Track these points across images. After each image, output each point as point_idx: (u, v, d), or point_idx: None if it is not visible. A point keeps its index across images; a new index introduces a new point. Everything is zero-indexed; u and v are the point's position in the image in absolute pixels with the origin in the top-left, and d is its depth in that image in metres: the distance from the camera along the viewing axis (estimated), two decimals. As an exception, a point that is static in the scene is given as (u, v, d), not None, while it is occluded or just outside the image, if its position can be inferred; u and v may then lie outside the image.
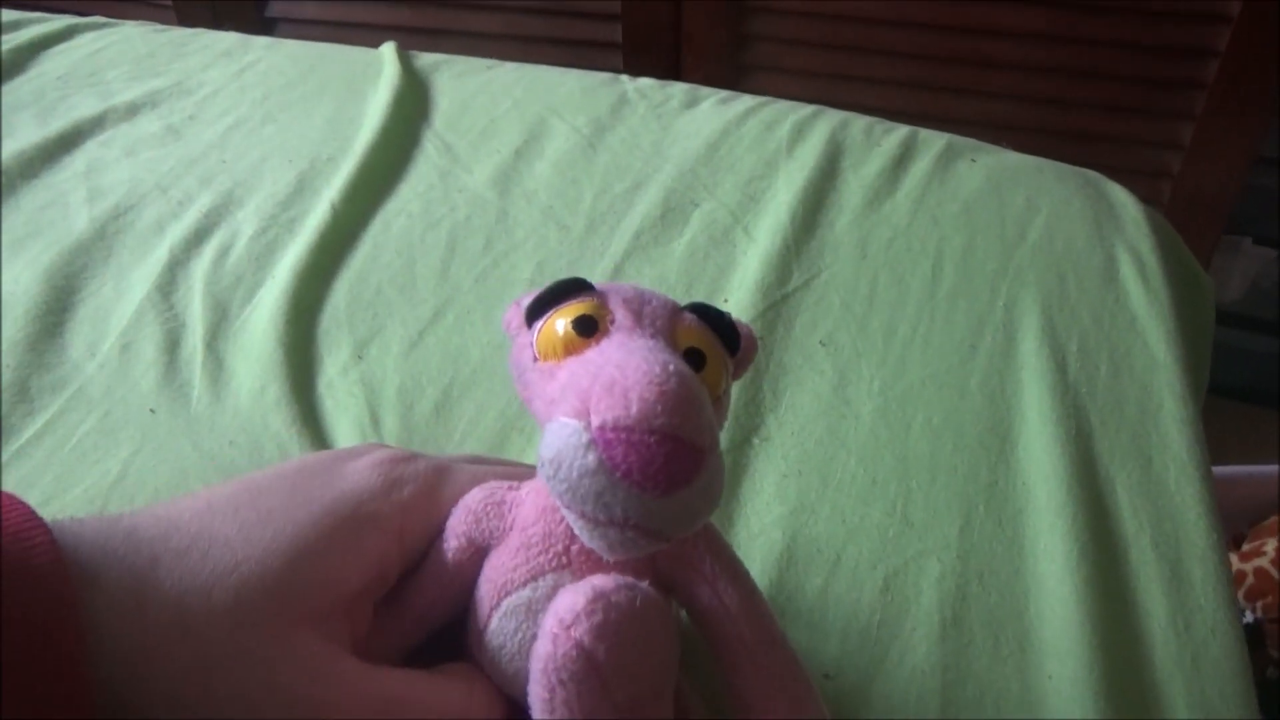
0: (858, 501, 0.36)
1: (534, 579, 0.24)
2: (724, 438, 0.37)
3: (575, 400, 0.21)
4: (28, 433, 0.37)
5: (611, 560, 0.23)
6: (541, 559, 0.24)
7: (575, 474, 0.20)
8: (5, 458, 0.35)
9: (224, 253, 0.46)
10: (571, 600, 0.20)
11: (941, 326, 0.43)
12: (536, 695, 0.20)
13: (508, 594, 0.24)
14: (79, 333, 0.41)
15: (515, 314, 0.27)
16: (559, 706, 0.20)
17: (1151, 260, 0.48)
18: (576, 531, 0.22)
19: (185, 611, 0.21)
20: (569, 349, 0.24)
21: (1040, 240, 0.49)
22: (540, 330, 0.25)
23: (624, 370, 0.21)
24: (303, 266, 0.44)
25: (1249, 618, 0.86)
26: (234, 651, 0.22)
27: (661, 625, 0.21)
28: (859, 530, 0.35)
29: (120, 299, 0.43)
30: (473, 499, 0.26)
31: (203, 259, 0.45)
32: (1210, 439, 0.40)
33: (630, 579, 0.21)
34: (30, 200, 0.49)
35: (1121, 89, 0.99)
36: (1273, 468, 0.98)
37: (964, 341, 0.43)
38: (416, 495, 0.26)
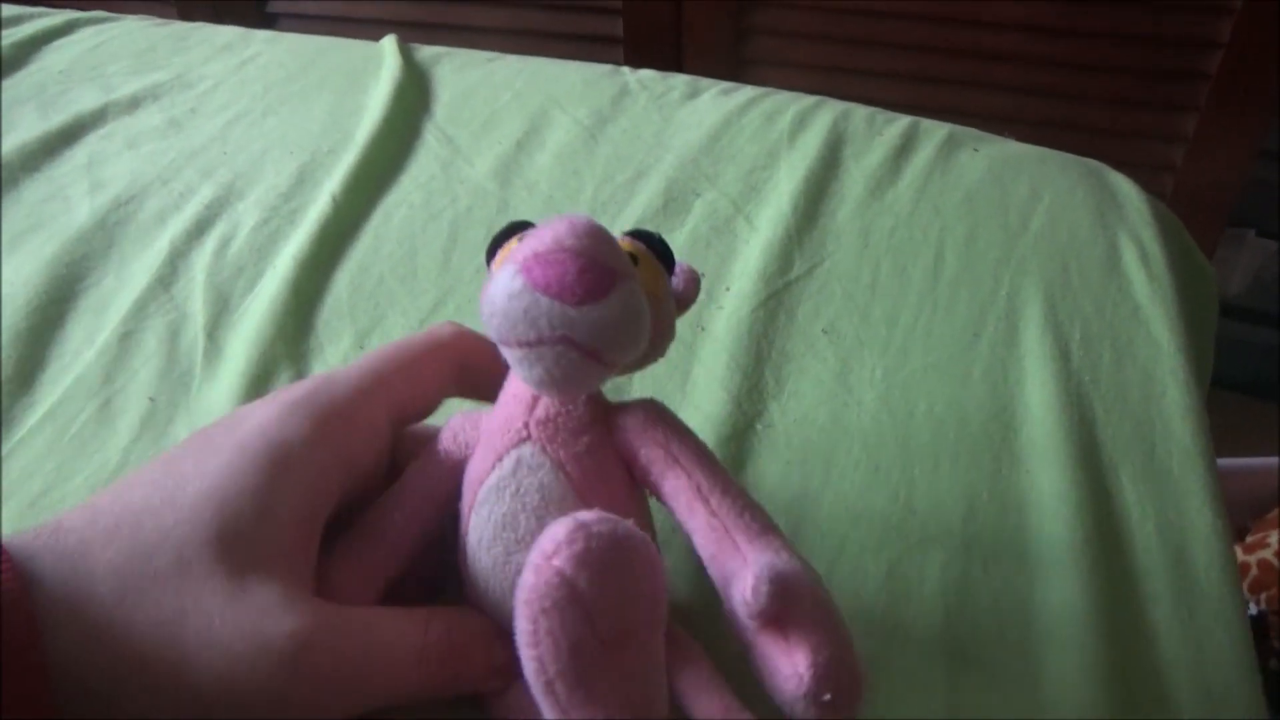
0: (861, 489, 0.36)
1: (499, 460, 0.25)
2: (726, 424, 0.37)
3: (512, 256, 0.23)
4: (29, 422, 0.36)
5: (562, 402, 0.25)
6: (504, 439, 0.26)
7: (505, 299, 0.22)
8: (7, 448, 0.35)
9: (225, 244, 0.46)
10: (553, 531, 0.21)
11: (944, 315, 0.43)
12: (521, 629, 0.20)
13: (480, 484, 0.26)
14: (79, 323, 0.41)
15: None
16: (543, 637, 0.20)
17: (1154, 249, 0.48)
18: (520, 373, 0.24)
19: (127, 582, 0.22)
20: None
21: (1043, 229, 0.49)
22: (497, 259, 0.27)
23: (548, 224, 0.24)
24: (304, 257, 0.44)
25: (1253, 610, 0.86)
26: (189, 608, 0.22)
27: (646, 559, 0.21)
28: (862, 517, 0.35)
29: (121, 289, 0.43)
30: (454, 420, 0.28)
31: (204, 250, 0.45)
32: (1212, 432, 0.40)
33: (611, 515, 0.21)
34: (32, 193, 0.49)
35: (1124, 81, 0.98)
36: (1275, 460, 0.98)
37: (966, 330, 0.42)
38: (318, 404, 0.26)
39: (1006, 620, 0.31)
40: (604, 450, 0.26)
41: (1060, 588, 0.32)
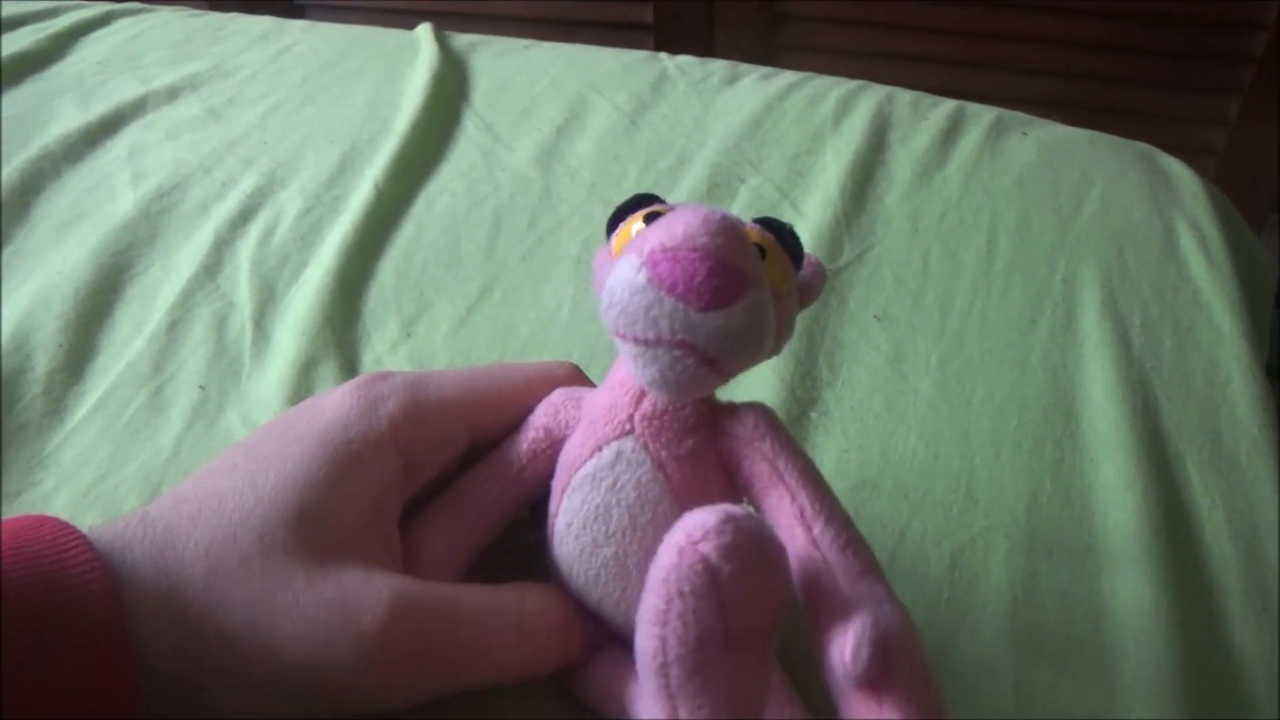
0: (920, 477, 0.35)
1: (599, 449, 0.25)
2: (781, 412, 0.36)
3: (636, 245, 0.22)
4: (81, 410, 0.36)
5: (671, 404, 0.24)
6: (606, 429, 0.25)
7: (626, 293, 0.22)
8: (61, 437, 0.35)
9: (269, 232, 0.46)
10: (703, 518, 0.20)
11: (998, 301, 0.42)
12: (651, 606, 0.20)
13: (576, 470, 0.25)
14: (128, 312, 0.41)
15: (602, 253, 0.27)
16: (673, 619, 0.20)
17: (1213, 232, 0.47)
18: (632, 370, 0.23)
19: (215, 563, 0.22)
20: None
21: (1097, 213, 0.47)
22: (617, 235, 0.26)
23: (679, 213, 0.23)
24: (348, 245, 0.44)
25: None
26: (276, 587, 0.22)
27: (782, 563, 0.21)
28: (922, 506, 0.34)
29: (167, 279, 0.43)
30: (555, 396, 0.27)
31: (248, 239, 0.45)
32: None
33: (756, 515, 0.21)
34: (75, 183, 0.49)
35: (1166, 64, 0.97)
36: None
37: (1023, 316, 0.41)
38: (399, 406, 0.26)
39: (1075, 612, 0.31)
40: (708, 455, 0.25)
41: (1129, 580, 0.31)
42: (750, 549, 0.20)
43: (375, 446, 0.25)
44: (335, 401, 0.26)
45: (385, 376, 0.28)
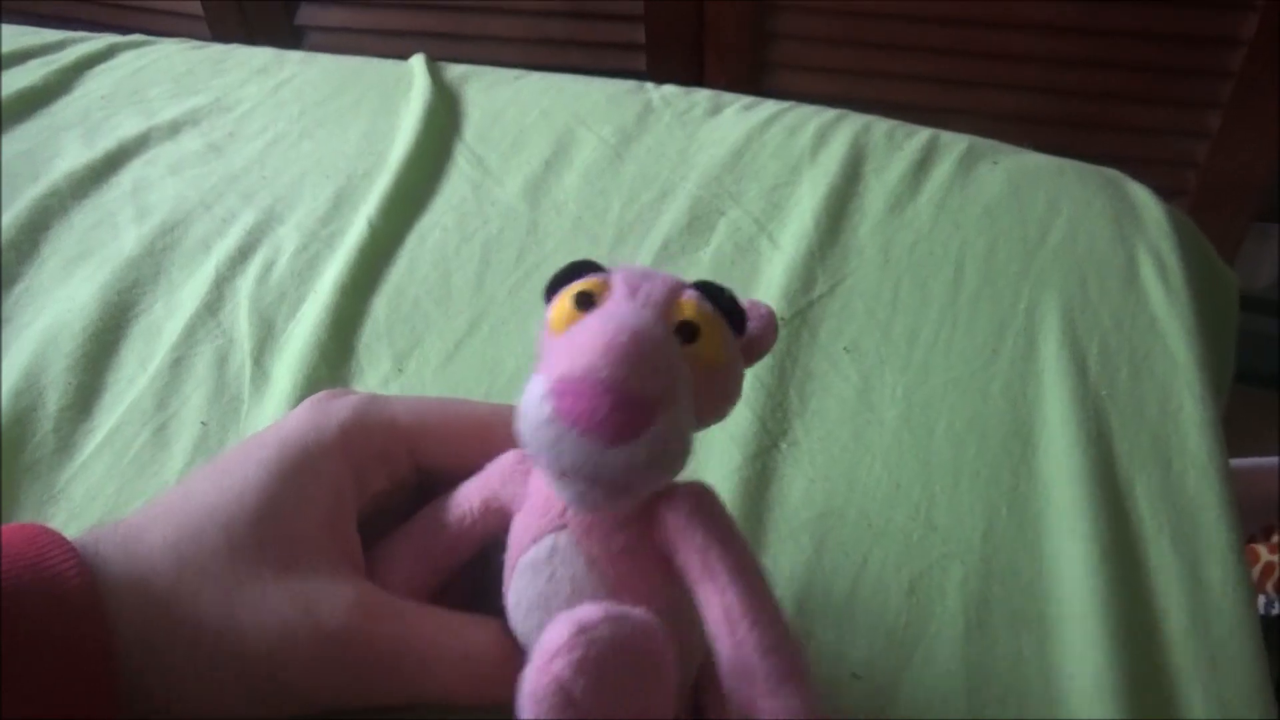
0: (883, 505, 0.37)
1: (537, 540, 0.25)
2: (753, 443, 0.39)
3: (545, 360, 0.23)
4: (89, 447, 0.39)
5: (590, 514, 0.24)
6: (542, 521, 0.25)
7: (534, 424, 0.22)
8: (70, 472, 0.37)
9: (268, 269, 0.48)
10: (555, 633, 0.21)
11: (964, 331, 0.44)
12: None
13: (521, 554, 0.26)
14: (133, 349, 0.43)
15: (544, 328, 0.28)
16: None
17: (1172, 260, 0.48)
18: (550, 484, 0.24)
19: (183, 555, 0.24)
20: (568, 322, 0.25)
21: (1062, 242, 0.49)
22: (553, 306, 0.26)
23: (587, 329, 0.23)
24: (343, 282, 0.46)
25: (1277, 609, 0.86)
26: (243, 580, 0.24)
27: (649, 655, 0.21)
28: (884, 534, 0.36)
29: (170, 316, 0.45)
30: (508, 460, 0.28)
31: (248, 276, 0.47)
32: (1242, 428, 0.41)
33: (621, 609, 0.21)
34: (81, 220, 0.51)
35: (1147, 79, 0.98)
36: (1304, 457, 0.97)
37: (986, 345, 0.43)
38: (350, 418, 0.28)
39: (1024, 636, 0.33)
40: (642, 546, 0.25)
41: (1077, 602, 0.33)
42: (605, 658, 0.20)
43: (328, 452, 0.27)
44: (295, 414, 0.29)
45: (341, 393, 0.30)
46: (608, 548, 0.25)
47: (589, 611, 0.21)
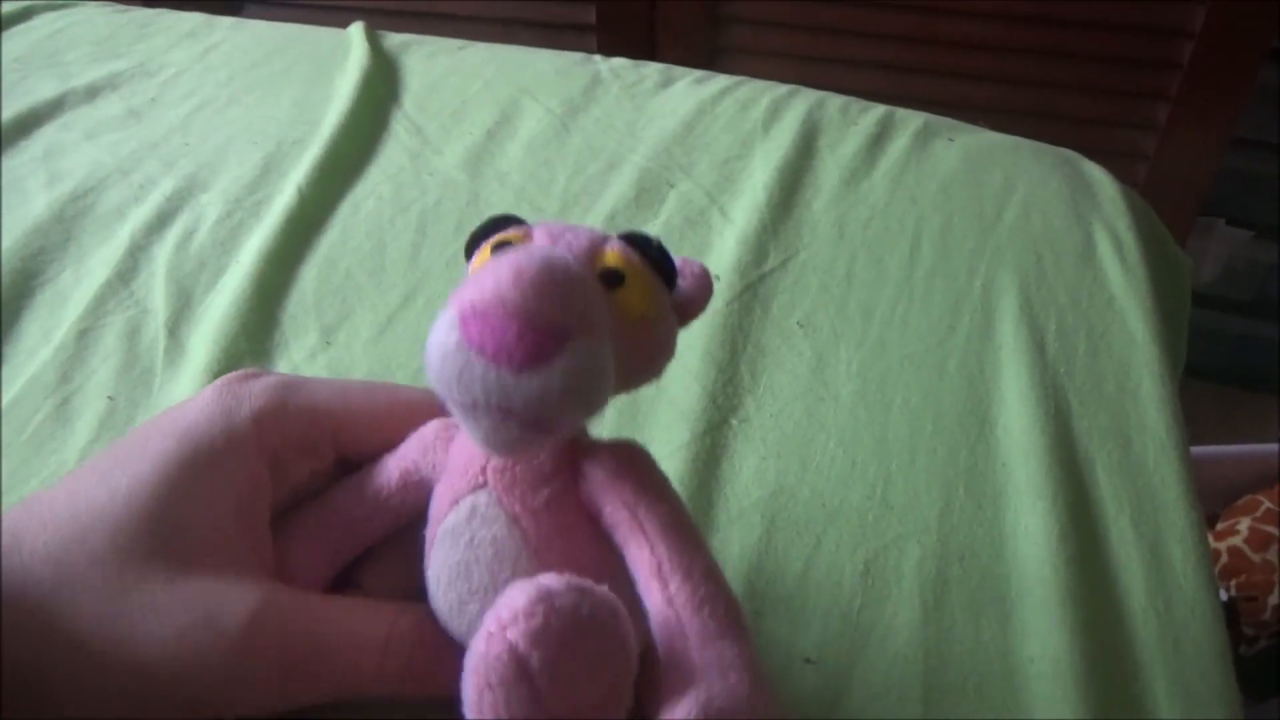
0: (837, 484, 0.35)
1: (455, 504, 0.24)
2: (701, 420, 0.37)
3: (453, 299, 0.21)
4: (-18, 423, 0.35)
5: (505, 457, 0.23)
6: (461, 482, 0.24)
7: (440, 355, 0.20)
8: (-42, 449, 0.34)
9: (187, 237, 0.45)
10: (512, 598, 0.19)
11: (919, 307, 0.43)
12: (467, 694, 0.19)
13: (438, 524, 0.24)
14: (36, 320, 0.40)
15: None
16: (486, 709, 0.18)
17: (1129, 239, 0.48)
18: (462, 428, 0.22)
19: (64, 564, 0.22)
20: None
21: (1018, 220, 0.48)
22: (473, 262, 0.24)
23: (496, 262, 0.21)
24: (268, 251, 0.43)
25: (1223, 596, 0.87)
26: (130, 585, 0.22)
27: (613, 636, 0.19)
28: (839, 513, 0.34)
29: (79, 285, 0.42)
30: (429, 429, 0.26)
31: (165, 244, 0.44)
32: (1185, 420, 0.40)
33: (584, 581, 0.19)
34: (-15, 184, 0.48)
35: (1097, 70, 0.99)
36: (1247, 448, 0.99)
37: (942, 322, 0.42)
38: (266, 406, 0.25)
39: (983, 616, 0.31)
40: (567, 503, 0.23)
41: (1036, 582, 0.32)
42: (566, 630, 0.19)
43: (238, 446, 0.24)
44: (199, 401, 0.25)
45: (253, 375, 0.27)
46: (530, 505, 0.23)
47: (552, 579, 0.19)
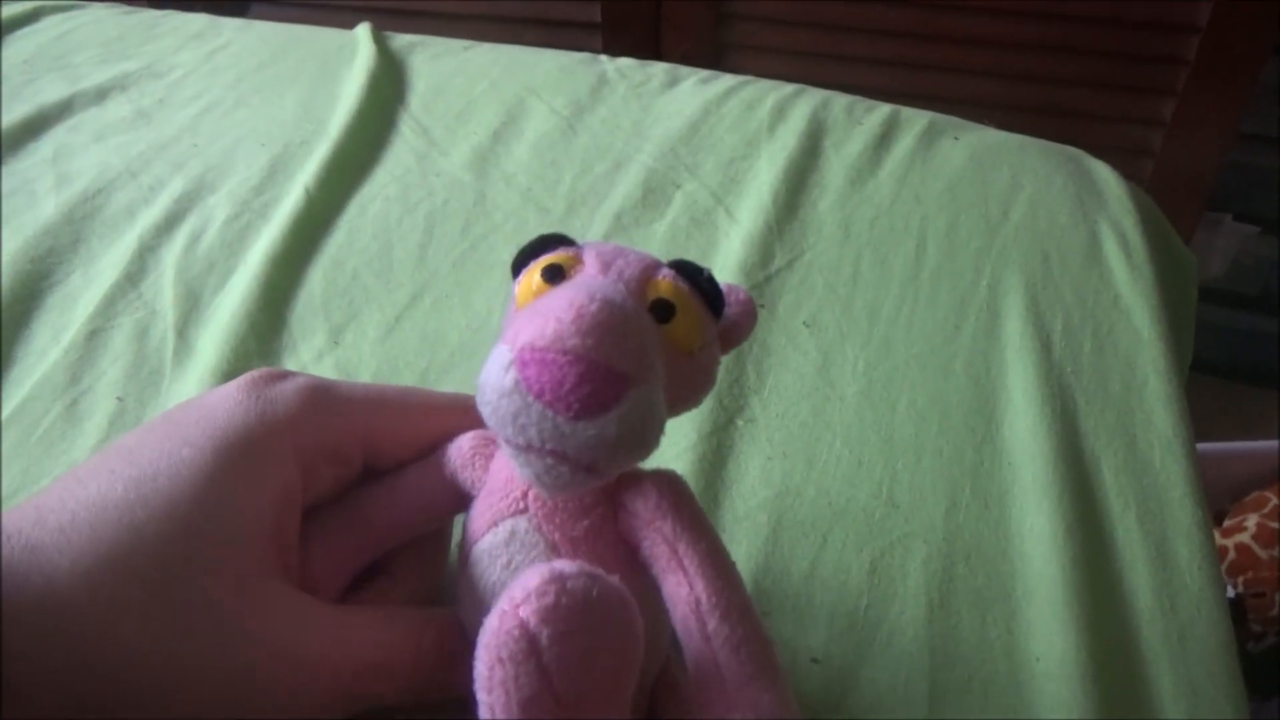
0: (843, 483, 0.35)
1: (494, 525, 0.24)
2: (708, 420, 0.37)
3: (509, 330, 0.21)
4: (-6, 424, 0.36)
5: (552, 496, 0.23)
6: (502, 504, 0.24)
7: (495, 395, 0.20)
8: (-30, 451, 0.34)
9: (196, 239, 0.45)
10: (526, 578, 0.19)
11: (925, 306, 0.43)
12: (478, 669, 0.19)
13: (475, 543, 0.24)
14: (46, 321, 0.40)
15: (510, 303, 0.26)
16: (495, 686, 0.19)
17: (1135, 237, 0.47)
18: (512, 465, 0.22)
19: (102, 587, 0.20)
20: (536, 295, 0.23)
21: (1024, 218, 0.48)
22: (520, 281, 0.24)
23: (554, 298, 0.21)
24: (276, 252, 0.43)
25: (1231, 593, 0.87)
26: (183, 612, 0.21)
27: (622, 623, 0.20)
28: (845, 512, 0.34)
29: (88, 286, 0.42)
30: (467, 443, 0.26)
31: (174, 245, 0.44)
32: (1192, 416, 0.40)
33: (597, 569, 0.20)
34: (-5, 187, 0.48)
35: (1103, 65, 0.98)
36: (1254, 444, 0.98)
37: (948, 321, 0.42)
38: (301, 411, 0.24)
39: (989, 615, 0.31)
40: (606, 534, 0.23)
41: (1043, 582, 0.32)
42: (575, 609, 0.19)
43: (276, 456, 0.23)
44: (228, 401, 0.24)
45: (282, 376, 0.25)
46: (569, 534, 0.23)
47: (566, 563, 0.19)
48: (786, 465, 0.36)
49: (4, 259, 0.43)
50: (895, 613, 0.31)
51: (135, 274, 0.43)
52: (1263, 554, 0.87)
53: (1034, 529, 0.34)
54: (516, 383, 0.20)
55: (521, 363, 0.20)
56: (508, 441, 0.21)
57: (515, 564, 0.23)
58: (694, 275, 0.24)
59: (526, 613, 0.18)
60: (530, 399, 0.20)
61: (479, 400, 0.21)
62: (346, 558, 0.26)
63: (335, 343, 0.40)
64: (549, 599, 0.19)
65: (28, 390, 0.37)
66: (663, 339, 0.22)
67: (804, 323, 0.42)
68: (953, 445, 0.37)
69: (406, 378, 0.39)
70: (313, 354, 0.40)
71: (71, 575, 0.20)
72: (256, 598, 0.22)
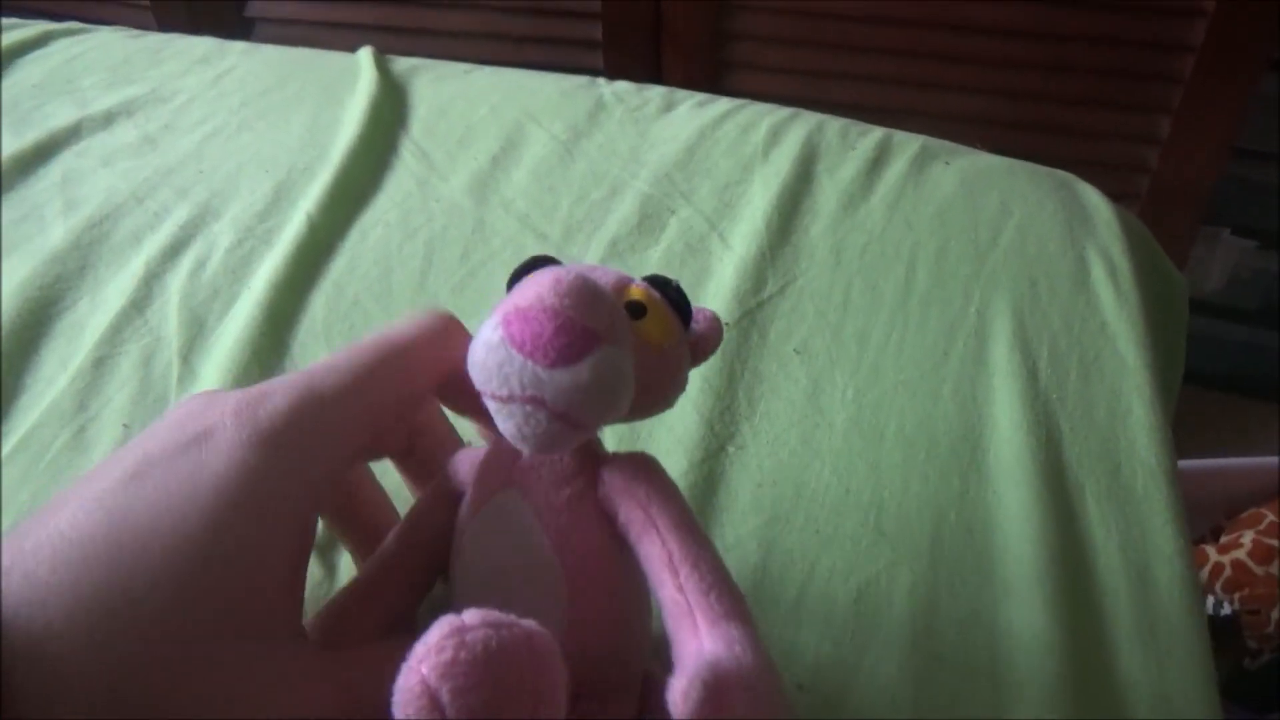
0: (831, 511, 0.36)
1: (484, 505, 0.26)
2: (699, 447, 0.38)
3: (500, 307, 0.23)
4: (3, 451, 0.37)
5: (531, 453, 0.25)
6: (491, 482, 0.26)
7: (484, 351, 0.23)
8: (-20, 478, 0.35)
9: (200, 265, 0.46)
10: (429, 634, 0.20)
11: (914, 332, 0.44)
12: None
13: (465, 527, 0.26)
14: (53, 348, 0.41)
15: None
16: None
17: (1123, 263, 0.48)
18: (497, 424, 0.23)
19: (109, 649, 0.19)
20: None
21: (1012, 244, 0.49)
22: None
23: (538, 276, 0.24)
24: (279, 278, 0.44)
25: (1226, 609, 0.87)
26: (188, 673, 0.20)
27: (530, 668, 0.20)
28: (832, 541, 0.35)
29: (95, 313, 0.43)
30: (460, 459, 0.28)
31: (179, 272, 0.45)
32: (1190, 430, 0.40)
33: (504, 617, 0.20)
34: (6, 213, 0.49)
35: (1098, 83, 0.99)
36: (1252, 460, 0.99)
37: (936, 347, 0.43)
38: (302, 438, 0.24)
39: (972, 643, 0.32)
40: (585, 502, 0.25)
41: (1025, 610, 0.33)
42: (476, 664, 0.19)
43: (287, 499, 0.23)
44: (223, 445, 0.23)
45: (265, 396, 0.24)
46: (552, 501, 0.25)
47: (471, 614, 0.20)
48: (776, 493, 0.37)
49: (14, 286, 0.44)
50: (881, 641, 0.32)
51: (141, 301, 0.44)
52: (1259, 571, 0.87)
53: (1017, 556, 0.34)
54: (502, 338, 0.22)
55: (506, 321, 0.22)
56: (492, 396, 0.23)
57: (504, 528, 0.25)
58: (663, 286, 0.27)
59: (427, 669, 0.19)
60: (513, 350, 0.22)
61: (470, 362, 0.23)
62: (381, 618, 0.27)
63: (336, 370, 0.41)
64: (447, 654, 0.19)
65: (36, 417, 0.38)
66: (634, 333, 0.25)
67: (795, 349, 0.43)
68: (939, 472, 0.38)
69: (405, 404, 0.39)
70: (314, 381, 0.40)
71: (68, 624, 0.19)
72: (279, 656, 0.22)
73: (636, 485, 0.25)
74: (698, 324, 0.28)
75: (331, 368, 0.26)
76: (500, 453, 0.26)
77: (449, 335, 0.28)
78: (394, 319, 0.43)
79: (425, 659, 0.19)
